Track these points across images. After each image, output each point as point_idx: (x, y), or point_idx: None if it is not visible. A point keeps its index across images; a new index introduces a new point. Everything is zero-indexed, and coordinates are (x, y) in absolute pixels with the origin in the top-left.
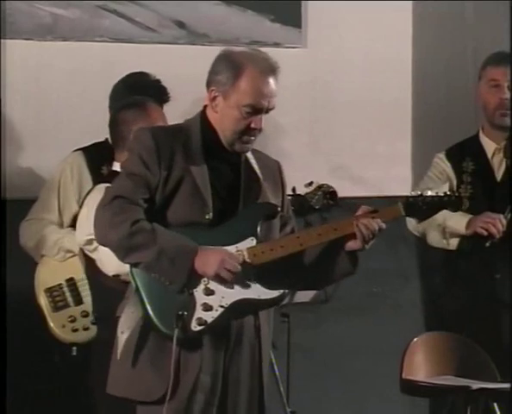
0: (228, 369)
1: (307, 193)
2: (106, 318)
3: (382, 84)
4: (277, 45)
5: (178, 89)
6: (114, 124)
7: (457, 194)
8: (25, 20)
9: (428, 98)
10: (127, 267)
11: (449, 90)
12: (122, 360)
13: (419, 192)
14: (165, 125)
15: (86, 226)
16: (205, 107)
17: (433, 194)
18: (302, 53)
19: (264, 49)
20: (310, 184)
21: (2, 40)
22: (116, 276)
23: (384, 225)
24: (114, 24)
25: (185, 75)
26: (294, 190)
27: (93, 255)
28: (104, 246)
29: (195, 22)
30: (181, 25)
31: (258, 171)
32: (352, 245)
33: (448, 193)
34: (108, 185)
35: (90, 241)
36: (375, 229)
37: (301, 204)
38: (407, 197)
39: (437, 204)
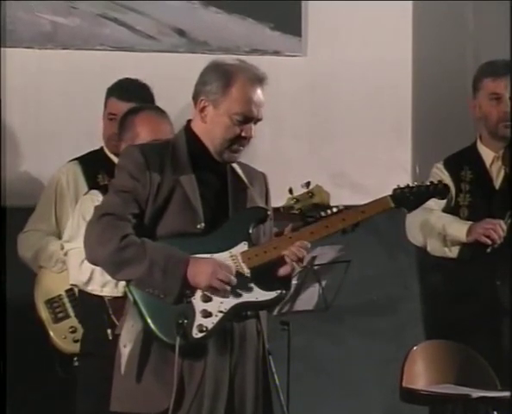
0: (234, 375)
1: None
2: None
3: (381, 91)
4: (277, 53)
5: (179, 97)
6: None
7: (443, 182)
8: (25, 28)
9: (428, 106)
10: (83, 278)
11: (449, 98)
12: (126, 374)
13: (406, 184)
14: (152, 142)
15: (66, 232)
16: (189, 121)
17: (420, 184)
18: (301, 61)
19: (264, 57)
20: (308, 184)
21: (2, 49)
22: (74, 285)
23: (309, 244)
24: (114, 32)
25: (185, 83)
26: (291, 191)
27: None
28: (94, 264)
29: (195, 30)
30: (181, 33)
31: (244, 179)
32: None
33: (434, 182)
34: (95, 191)
35: (62, 246)
36: (304, 256)
37: None
38: (394, 189)
39: (424, 194)
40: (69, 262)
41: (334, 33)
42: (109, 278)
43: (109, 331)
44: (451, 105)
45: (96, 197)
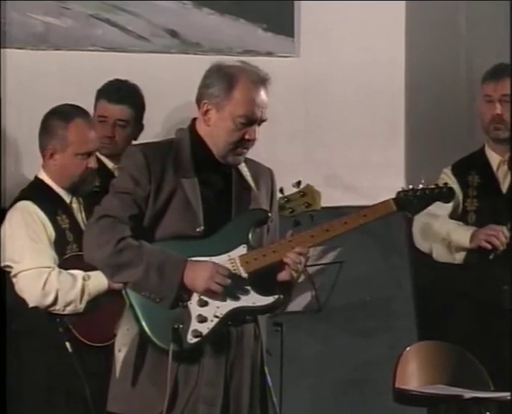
0: (230, 380)
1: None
2: None
3: (375, 93)
4: (269, 54)
5: (171, 97)
6: None
7: (448, 185)
8: (18, 29)
9: (421, 108)
10: (48, 301)
11: (442, 100)
12: (121, 378)
13: (410, 186)
14: (156, 141)
15: (11, 252)
16: (193, 121)
17: (424, 187)
18: (294, 62)
19: (256, 58)
20: (299, 183)
21: None
22: (35, 308)
23: (308, 250)
24: (106, 33)
25: (177, 84)
26: (282, 190)
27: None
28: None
29: (187, 31)
30: (173, 34)
31: (249, 179)
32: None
33: (440, 185)
34: (27, 202)
35: (7, 266)
36: (302, 262)
37: None
38: (398, 192)
39: (428, 197)
40: (24, 284)
41: (326, 33)
42: (72, 297)
43: (67, 344)
44: (444, 107)
45: (33, 209)
